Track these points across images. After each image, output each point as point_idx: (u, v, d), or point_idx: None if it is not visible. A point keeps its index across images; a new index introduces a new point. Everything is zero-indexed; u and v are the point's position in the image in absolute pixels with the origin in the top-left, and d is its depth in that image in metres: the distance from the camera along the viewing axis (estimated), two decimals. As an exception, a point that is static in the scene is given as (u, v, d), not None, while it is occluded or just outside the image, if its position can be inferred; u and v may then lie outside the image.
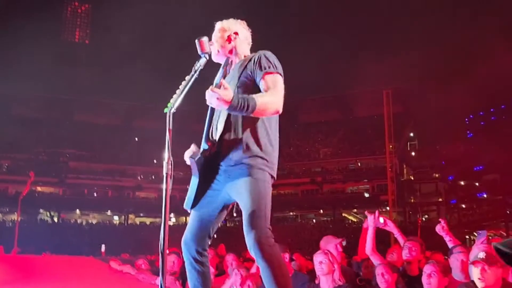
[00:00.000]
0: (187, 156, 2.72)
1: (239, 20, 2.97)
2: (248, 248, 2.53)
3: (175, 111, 2.43)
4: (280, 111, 2.59)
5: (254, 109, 2.44)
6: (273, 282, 2.48)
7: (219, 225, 2.87)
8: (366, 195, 45.39)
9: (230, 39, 2.89)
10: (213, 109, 2.77)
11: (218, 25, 2.94)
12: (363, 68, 43.96)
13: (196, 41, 2.66)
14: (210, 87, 2.36)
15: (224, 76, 2.89)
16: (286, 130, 44.00)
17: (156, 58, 51.08)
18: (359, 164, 47.92)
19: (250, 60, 2.73)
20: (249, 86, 2.62)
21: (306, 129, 52.08)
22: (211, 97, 2.35)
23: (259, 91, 2.62)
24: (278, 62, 2.72)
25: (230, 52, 2.89)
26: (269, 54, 2.75)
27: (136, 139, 51.17)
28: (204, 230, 2.77)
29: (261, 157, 2.63)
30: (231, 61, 2.92)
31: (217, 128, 2.67)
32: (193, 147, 2.75)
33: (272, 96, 2.56)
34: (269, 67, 2.66)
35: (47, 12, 50.51)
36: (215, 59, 2.91)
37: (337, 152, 49.30)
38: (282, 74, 2.70)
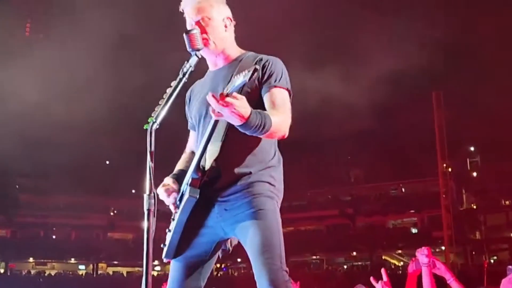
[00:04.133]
0: (162, 193, 2.72)
1: None
2: None
3: (158, 127, 2.37)
4: (287, 135, 2.62)
5: (268, 130, 2.44)
6: None
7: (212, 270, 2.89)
8: (414, 230, 45.15)
9: (226, 26, 2.85)
10: (203, 129, 2.71)
11: (204, 6, 2.78)
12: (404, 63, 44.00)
13: (185, 35, 2.60)
14: (216, 94, 2.26)
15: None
16: (303, 146, 44.00)
17: (126, 61, 51.38)
18: (402, 189, 47.78)
19: (254, 63, 2.51)
20: (253, 99, 2.55)
21: (330, 145, 52.09)
22: (221, 109, 2.25)
23: (263, 104, 2.63)
24: (288, 76, 2.75)
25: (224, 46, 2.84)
26: (281, 63, 2.76)
27: (107, 162, 51.31)
28: (194, 279, 2.80)
29: (268, 183, 2.69)
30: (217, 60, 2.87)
31: (210, 151, 2.64)
32: (168, 181, 2.77)
33: (283, 116, 2.59)
34: (280, 80, 2.69)
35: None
36: (206, 55, 2.81)
37: (372, 174, 49.17)
38: (291, 92, 2.74)
